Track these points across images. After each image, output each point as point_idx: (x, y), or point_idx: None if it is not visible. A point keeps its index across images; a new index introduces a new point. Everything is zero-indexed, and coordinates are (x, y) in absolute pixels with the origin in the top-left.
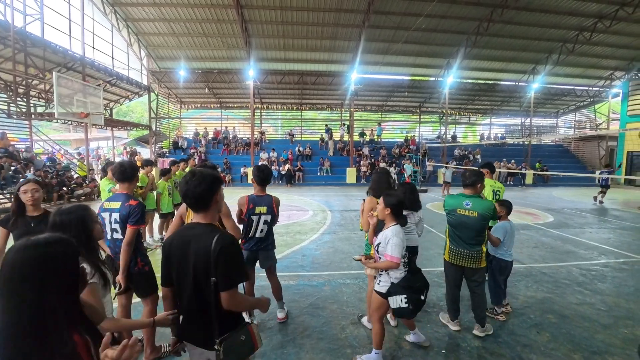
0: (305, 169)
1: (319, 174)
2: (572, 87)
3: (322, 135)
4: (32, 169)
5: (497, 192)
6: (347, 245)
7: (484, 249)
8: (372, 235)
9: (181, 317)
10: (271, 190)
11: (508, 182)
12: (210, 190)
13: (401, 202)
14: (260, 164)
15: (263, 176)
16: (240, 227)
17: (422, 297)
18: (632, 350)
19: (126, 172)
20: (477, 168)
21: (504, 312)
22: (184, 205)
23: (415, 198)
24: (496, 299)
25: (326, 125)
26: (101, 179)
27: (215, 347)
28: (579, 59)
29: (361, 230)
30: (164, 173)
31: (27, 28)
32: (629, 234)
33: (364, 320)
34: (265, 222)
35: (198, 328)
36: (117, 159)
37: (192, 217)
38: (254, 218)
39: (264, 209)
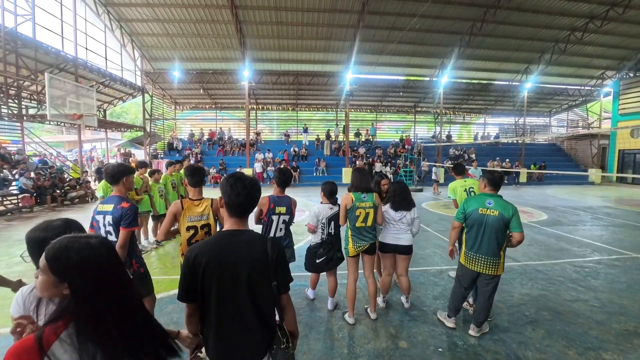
0: (301, 169)
1: (315, 174)
2: (564, 86)
3: (318, 135)
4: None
5: (471, 191)
6: (343, 244)
7: (503, 256)
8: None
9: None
10: (267, 191)
11: (504, 181)
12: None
13: (331, 190)
14: (281, 167)
15: (284, 178)
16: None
17: (318, 261)
18: (626, 346)
19: (108, 176)
20: (501, 171)
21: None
22: (177, 204)
23: (404, 197)
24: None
25: (305, 124)
26: (95, 180)
27: (284, 344)
28: (571, 58)
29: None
30: (152, 174)
31: (18, 29)
32: (621, 230)
33: (346, 316)
34: (284, 221)
35: (254, 338)
36: (111, 161)
37: (190, 215)
38: (274, 218)
39: (283, 210)
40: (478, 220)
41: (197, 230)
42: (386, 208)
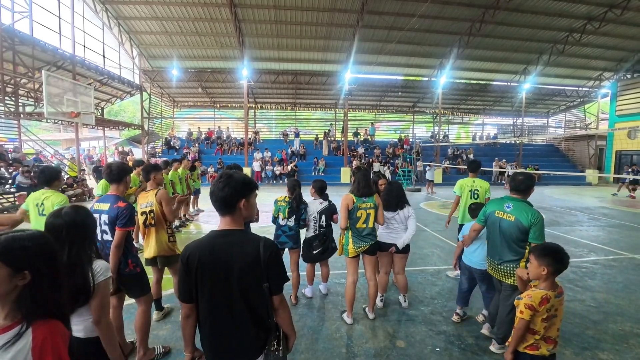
0: (300, 168)
1: (313, 173)
2: (562, 87)
3: (317, 135)
4: (20, 169)
5: (476, 192)
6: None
7: (523, 266)
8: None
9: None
10: (266, 190)
11: (500, 181)
12: (235, 194)
13: (321, 186)
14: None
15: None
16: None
17: (314, 252)
18: (622, 346)
19: (112, 174)
20: (529, 172)
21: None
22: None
23: (394, 197)
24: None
25: (296, 128)
26: (95, 180)
27: (274, 347)
28: (569, 59)
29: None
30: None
31: (16, 26)
32: (618, 231)
33: (344, 316)
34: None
35: (248, 337)
36: (109, 160)
37: (141, 203)
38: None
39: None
40: (493, 223)
41: (147, 215)
42: None
